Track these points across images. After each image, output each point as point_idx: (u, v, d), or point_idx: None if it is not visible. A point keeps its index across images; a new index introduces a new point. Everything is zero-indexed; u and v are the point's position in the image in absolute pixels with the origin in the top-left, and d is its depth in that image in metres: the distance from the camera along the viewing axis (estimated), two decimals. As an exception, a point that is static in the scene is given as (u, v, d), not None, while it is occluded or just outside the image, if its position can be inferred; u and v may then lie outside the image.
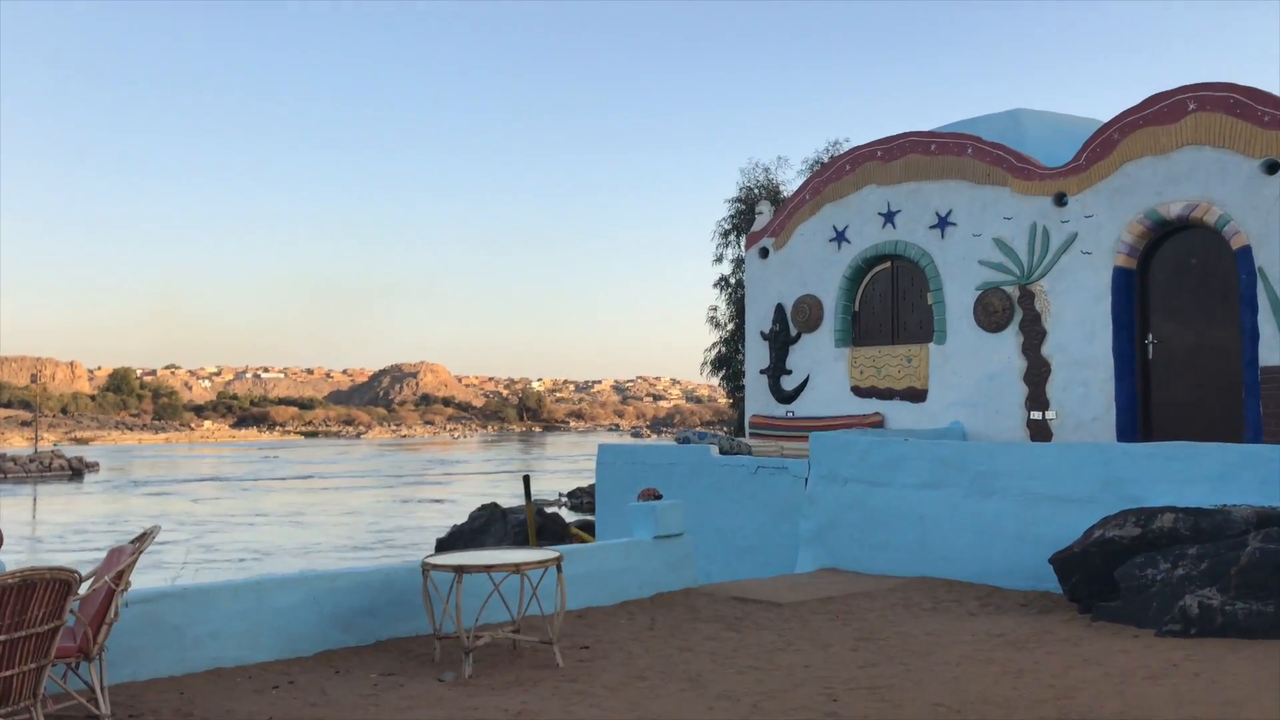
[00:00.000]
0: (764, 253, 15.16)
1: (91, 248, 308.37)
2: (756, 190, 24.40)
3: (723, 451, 12.26)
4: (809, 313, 14.34)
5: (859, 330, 14.06)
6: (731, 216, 24.36)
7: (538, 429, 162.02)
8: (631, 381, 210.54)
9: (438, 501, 50.33)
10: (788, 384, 14.64)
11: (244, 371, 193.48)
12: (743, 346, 24.41)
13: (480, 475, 66.78)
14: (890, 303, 13.71)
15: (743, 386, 24.39)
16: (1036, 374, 12.04)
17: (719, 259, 24.51)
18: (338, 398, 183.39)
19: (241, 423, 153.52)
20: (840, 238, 14.11)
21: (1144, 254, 11.36)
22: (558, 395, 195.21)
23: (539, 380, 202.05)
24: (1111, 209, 11.46)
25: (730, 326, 23.91)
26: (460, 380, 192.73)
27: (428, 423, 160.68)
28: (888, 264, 13.73)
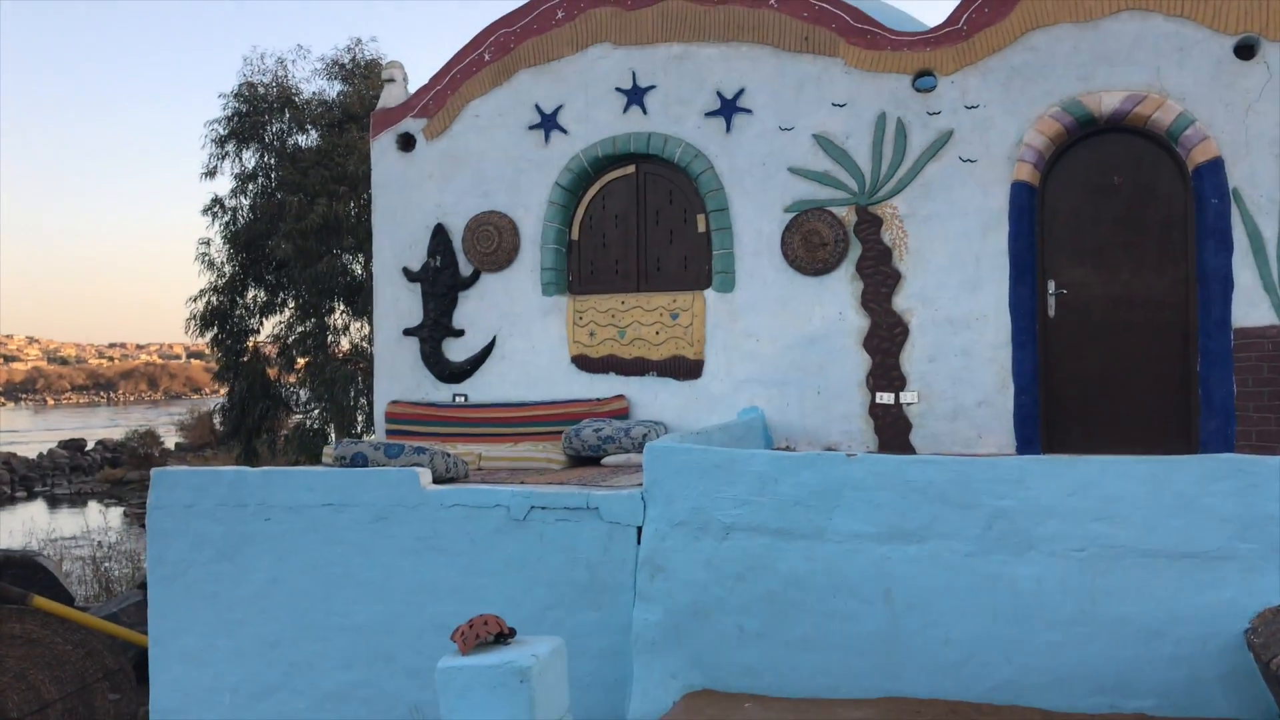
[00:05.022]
0: (406, 142, 9.47)
1: None
2: (264, 89, 17.94)
3: (439, 479, 6.69)
4: (495, 240, 9.06)
5: (581, 270, 9.08)
6: (229, 119, 17.63)
7: None
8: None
9: None
10: (456, 352, 9.24)
11: None
12: (243, 297, 17.89)
13: None
14: (637, 228, 8.94)
15: (245, 350, 17.90)
16: (886, 337, 8.14)
17: (211, 173, 17.64)
18: None
19: None
20: (549, 123, 9.00)
21: (1048, 165, 7.95)
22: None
23: None
24: (1009, 97, 7.86)
25: (230, 268, 17.28)
26: None
27: None
28: (631, 168, 8.92)
